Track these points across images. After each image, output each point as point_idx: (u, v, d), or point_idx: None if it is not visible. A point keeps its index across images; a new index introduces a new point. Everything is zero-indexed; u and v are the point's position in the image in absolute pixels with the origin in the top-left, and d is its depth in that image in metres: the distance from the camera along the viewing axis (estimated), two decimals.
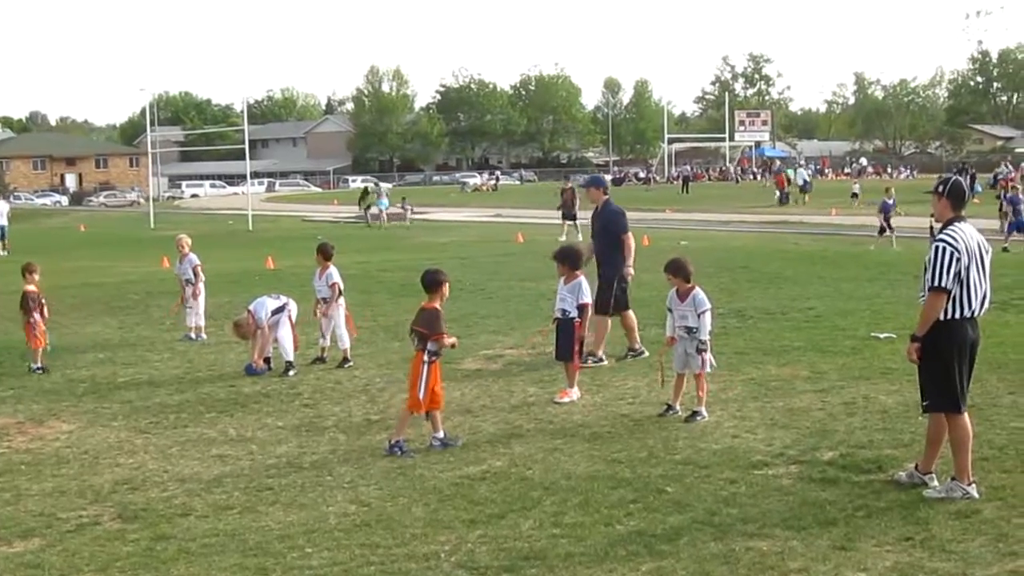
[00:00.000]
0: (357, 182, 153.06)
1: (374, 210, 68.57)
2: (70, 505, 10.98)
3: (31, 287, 18.73)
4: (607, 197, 18.50)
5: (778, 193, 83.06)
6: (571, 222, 48.97)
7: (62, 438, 13.79)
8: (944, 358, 10.29)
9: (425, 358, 12.71)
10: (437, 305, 12.97)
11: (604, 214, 18.31)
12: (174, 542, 9.76)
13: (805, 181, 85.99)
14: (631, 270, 17.79)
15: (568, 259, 15.66)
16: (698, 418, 13.57)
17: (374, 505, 10.65)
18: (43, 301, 18.86)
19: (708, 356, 13.91)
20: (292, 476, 11.76)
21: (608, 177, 42.09)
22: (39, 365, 18.29)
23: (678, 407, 13.95)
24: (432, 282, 13.09)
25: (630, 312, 18.02)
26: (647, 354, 17.53)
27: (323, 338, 18.31)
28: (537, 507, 10.41)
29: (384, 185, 78.78)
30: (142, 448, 13.16)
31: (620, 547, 9.21)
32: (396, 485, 11.28)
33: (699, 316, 13.89)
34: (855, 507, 10.08)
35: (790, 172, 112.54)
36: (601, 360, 17.47)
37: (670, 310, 14.22)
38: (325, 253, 18.38)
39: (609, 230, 18.07)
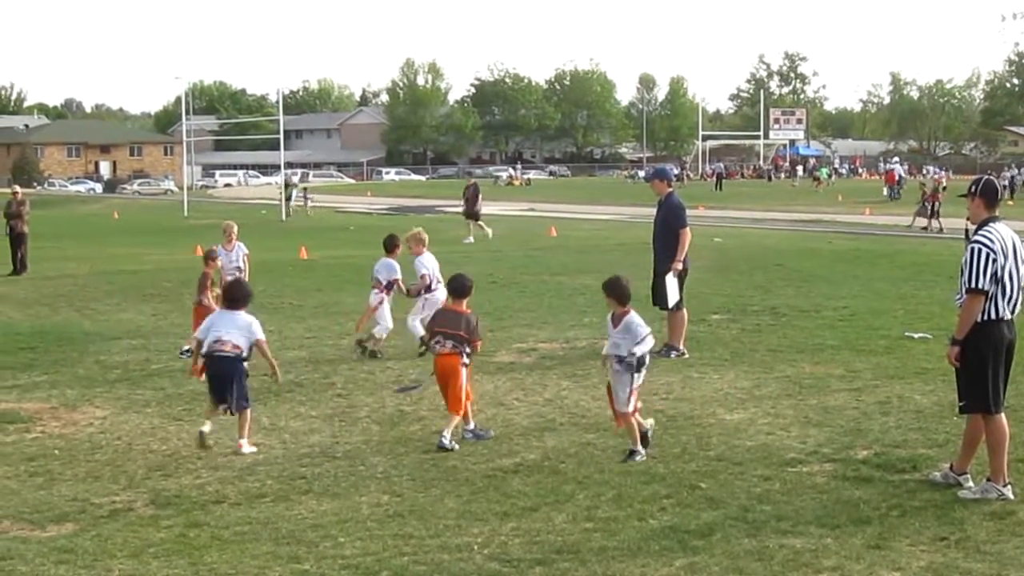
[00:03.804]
0: (391, 174, 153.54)
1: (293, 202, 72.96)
2: (103, 491, 11.02)
3: (211, 272, 18.97)
4: (671, 190, 18.32)
5: (886, 189, 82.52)
6: (475, 221, 46.65)
7: (96, 424, 13.85)
8: (981, 359, 10.25)
9: (465, 360, 12.77)
10: (466, 309, 13.05)
11: (665, 207, 18.10)
12: (207, 529, 9.79)
13: (900, 177, 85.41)
14: (679, 265, 17.61)
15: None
16: (636, 457, 11.87)
17: (407, 496, 10.66)
18: (214, 288, 18.85)
19: (638, 384, 12.03)
20: (325, 466, 11.78)
21: (642, 173, 41.82)
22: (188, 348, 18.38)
23: (640, 448, 12.02)
24: (464, 288, 13.24)
25: (684, 310, 17.90)
26: (687, 356, 17.46)
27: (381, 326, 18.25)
28: (570, 501, 10.40)
29: (297, 180, 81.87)
30: (175, 435, 13.20)
31: (653, 542, 9.20)
32: (429, 476, 11.28)
33: (636, 344, 11.90)
34: (889, 506, 10.05)
35: (824, 171, 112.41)
36: (683, 354, 17.47)
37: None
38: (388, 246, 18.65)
39: (668, 223, 17.90)
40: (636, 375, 11.93)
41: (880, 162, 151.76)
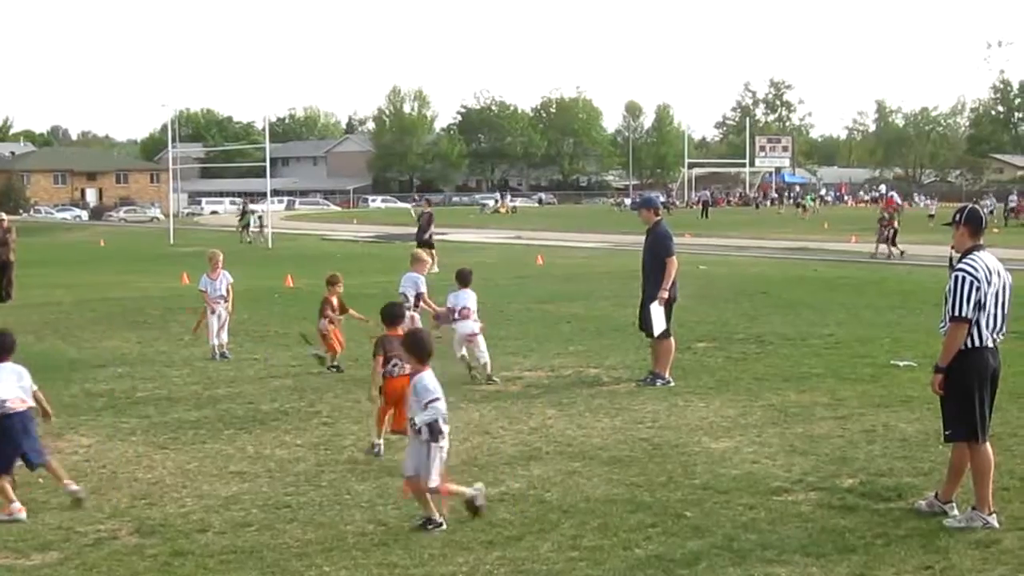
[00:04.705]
0: (377, 202, 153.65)
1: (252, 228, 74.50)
2: (88, 519, 10.99)
3: (332, 297, 19.69)
4: (659, 218, 18.32)
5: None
6: (428, 249, 45.34)
7: (80, 452, 13.81)
8: (966, 387, 10.27)
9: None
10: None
11: (653, 235, 18.08)
12: (192, 558, 9.76)
13: (898, 203, 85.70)
14: (664, 295, 17.61)
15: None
16: (430, 527, 10.56)
17: (392, 524, 10.65)
18: (335, 312, 19.59)
19: (439, 455, 10.58)
20: (310, 494, 11.76)
21: (628, 201, 41.71)
22: (335, 363, 19.33)
23: (438, 517, 10.63)
24: (396, 316, 13.95)
25: (671, 339, 17.90)
26: (672, 384, 17.45)
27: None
28: (555, 530, 10.39)
29: (253, 207, 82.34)
30: (160, 463, 13.17)
31: (639, 571, 9.19)
32: (414, 505, 11.24)
33: (424, 408, 10.45)
34: (874, 535, 10.06)
35: (810, 198, 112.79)
36: (669, 382, 17.52)
37: None
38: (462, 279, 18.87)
39: (655, 252, 17.90)
40: (434, 444, 10.47)
41: (871, 189, 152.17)
